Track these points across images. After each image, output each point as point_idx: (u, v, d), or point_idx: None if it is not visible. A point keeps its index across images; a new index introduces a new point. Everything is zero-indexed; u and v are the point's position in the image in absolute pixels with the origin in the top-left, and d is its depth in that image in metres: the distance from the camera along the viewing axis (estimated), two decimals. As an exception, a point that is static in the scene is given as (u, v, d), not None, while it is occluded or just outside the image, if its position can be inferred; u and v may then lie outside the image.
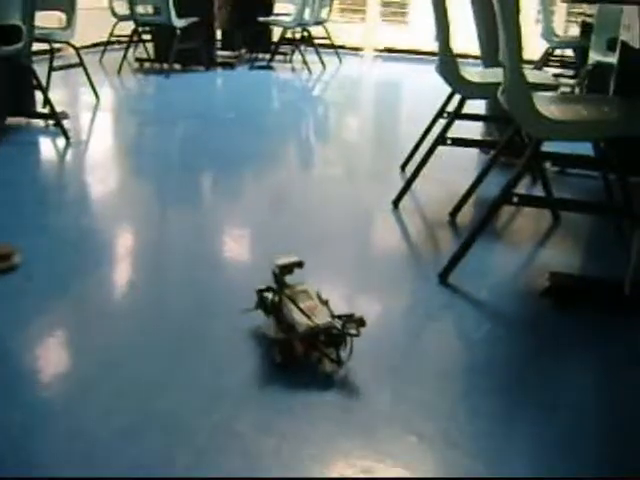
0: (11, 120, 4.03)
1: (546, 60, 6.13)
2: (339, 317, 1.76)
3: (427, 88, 5.21)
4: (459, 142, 2.88)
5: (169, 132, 4.28)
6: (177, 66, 6.71)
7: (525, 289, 2.24)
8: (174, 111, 4.86)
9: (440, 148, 2.89)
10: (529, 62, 5.46)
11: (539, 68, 5.80)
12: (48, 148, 3.82)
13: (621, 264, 2.21)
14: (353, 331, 1.73)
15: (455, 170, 3.45)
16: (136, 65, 7.03)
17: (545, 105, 2.23)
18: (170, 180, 3.25)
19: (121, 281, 2.21)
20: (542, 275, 2.24)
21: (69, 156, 3.64)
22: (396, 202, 2.93)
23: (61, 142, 3.80)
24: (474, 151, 3.78)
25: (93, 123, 4.49)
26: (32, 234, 2.49)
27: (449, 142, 2.81)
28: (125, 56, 6.56)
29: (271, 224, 2.73)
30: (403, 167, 3.45)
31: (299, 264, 1.87)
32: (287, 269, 1.85)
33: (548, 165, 3.63)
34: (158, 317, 1.96)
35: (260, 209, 2.91)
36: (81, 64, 4.69)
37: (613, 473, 1.42)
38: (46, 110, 3.93)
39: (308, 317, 1.72)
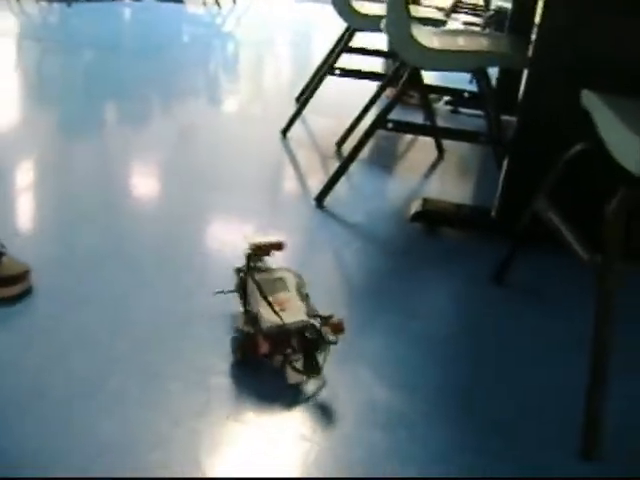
0: None
1: (455, 7, 6.20)
2: (319, 317, 1.47)
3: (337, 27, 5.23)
4: (347, 73, 2.91)
5: (73, 62, 4.15)
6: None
7: (399, 215, 2.32)
8: (79, 40, 4.71)
9: (338, 84, 2.92)
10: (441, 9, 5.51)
11: (447, 15, 5.86)
12: None
13: (494, 193, 2.31)
14: (331, 337, 1.44)
15: (349, 105, 3.50)
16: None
17: (427, 37, 2.29)
18: (74, 111, 3.16)
19: (21, 220, 2.15)
20: (417, 202, 2.33)
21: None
22: (284, 132, 2.95)
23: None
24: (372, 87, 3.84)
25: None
26: None
27: (337, 72, 2.84)
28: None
29: (168, 159, 2.71)
30: (298, 99, 3.46)
31: (278, 246, 1.59)
32: (262, 250, 1.57)
33: (442, 104, 3.74)
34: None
35: (156, 142, 2.89)
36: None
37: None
38: None
39: (275, 312, 1.43)
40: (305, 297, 1.51)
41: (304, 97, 2.97)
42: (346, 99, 3.49)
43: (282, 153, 2.83)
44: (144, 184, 2.45)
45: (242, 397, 1.35)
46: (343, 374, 1.45)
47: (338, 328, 1.44)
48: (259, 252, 1.57)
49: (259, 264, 1.58)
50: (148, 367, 1.40)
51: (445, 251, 2.12)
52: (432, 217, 2.22)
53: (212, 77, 4.19)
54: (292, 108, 3.41)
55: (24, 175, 2.41)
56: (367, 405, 1.37)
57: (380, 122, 2.19)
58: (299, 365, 1.40)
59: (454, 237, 2.22)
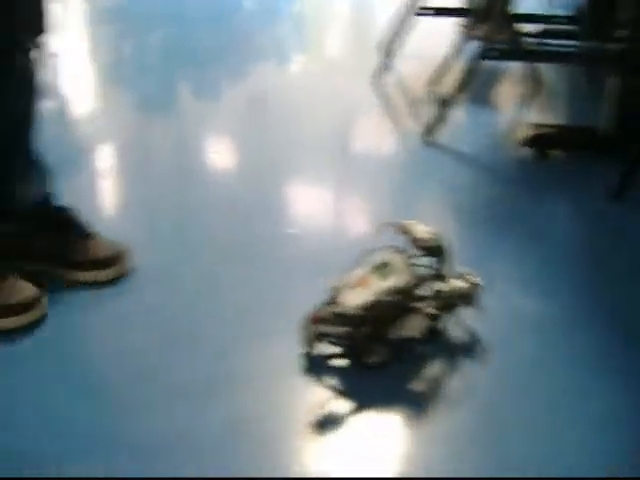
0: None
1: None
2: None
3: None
4: (436, 11, 2.89)
5: (143, 38, 4.24)
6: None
7: (506, 143, 2.34)
8: (157, 13, 4.77)
9: (422, 28, 2.91)
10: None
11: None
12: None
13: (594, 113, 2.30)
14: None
15: (434, 45, 3.49)
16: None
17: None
18: (148, 87, 3.20)
19: (103, 195, 2.19)
20: (525, 128, 2.33)
21: (54, 64, 3.63)
22: (374, 78, 3.00)
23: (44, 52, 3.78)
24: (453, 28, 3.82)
25: (67, 29, 4.43)
26: None
27: (424, 12, 2.83)
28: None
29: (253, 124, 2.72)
30: (380, 46, 3.46)
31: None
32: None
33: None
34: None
35: (239, 110, 2.95)
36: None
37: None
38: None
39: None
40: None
41: (389, 42, 2.98)
42: (427, 40, 3.48)
43: (376, 98, 2.88)
44: (232, 153, 2.52)
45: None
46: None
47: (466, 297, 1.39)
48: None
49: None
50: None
51: (559, 173, 2.13)
52: (543, 141, 2.23)
53: (286, 38, 4.23)
54: (375, 56, 3.43)
55: (104, 153, 2.46)
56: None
57: (485, 52, 2.20)
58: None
59: (565, 159, 2.22)
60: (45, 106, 2.99)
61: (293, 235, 1.81)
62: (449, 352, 1.35)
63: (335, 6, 5.29)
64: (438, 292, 1.35)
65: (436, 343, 1.36)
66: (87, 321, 1.47)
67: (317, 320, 1.30)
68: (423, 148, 2.29)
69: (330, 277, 1.34)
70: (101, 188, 2.19)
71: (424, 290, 1.35)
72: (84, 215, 1.61)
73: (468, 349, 1.35)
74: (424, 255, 1.37)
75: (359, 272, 1.34)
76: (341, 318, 1.29)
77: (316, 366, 1.31)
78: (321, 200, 2.05)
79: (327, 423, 1.19)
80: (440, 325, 1.37)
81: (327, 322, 1.29)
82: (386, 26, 3.45)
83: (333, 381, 1.28)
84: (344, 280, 1.34)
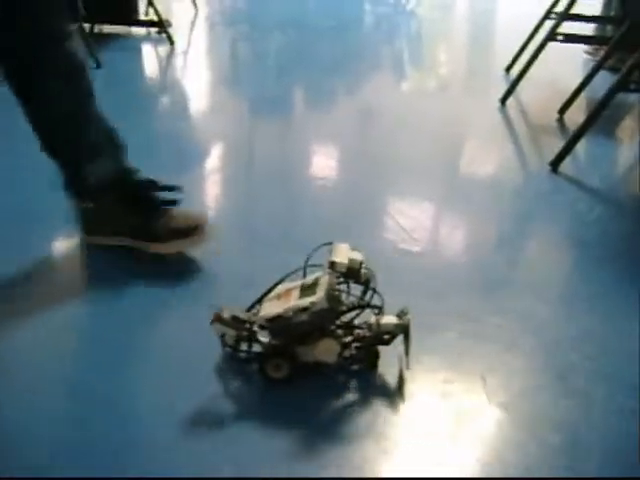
0: (112, 28, 4.13)
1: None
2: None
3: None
4: (572, 38, 2.81)
5: (267, 41, 4.31)
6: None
7: (635, 177, 2.23)
8: (272, 19, 4.86)
9: (544, 52, 2.84)
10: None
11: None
12: (153, 54, 3.93)
13: None
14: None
15: (561, 71, 3.40)
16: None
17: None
18: (263, 89, 3.26)
19: (210, 190, 2.22)
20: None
21: (174, 62, 3.74)
22: (503, 100, 2.91)
23: (164, 49, 3.89)
24: (579, 54, 3.72)
25: (193, 31, 4.56)
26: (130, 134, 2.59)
27: (560, 38, 2.75)
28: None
29: (362, 137, 2.72)
30: (508, 69, 3.41)
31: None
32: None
33: None
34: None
35: (349, 121, 2.93)
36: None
37: None
38: (147, 18, 4.02)
39: None
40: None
41: (523, 67, 2.91)
42: (553, 66, 3.39)
43: (503, 122, 2.78)
44: (345, 159, 2.47)
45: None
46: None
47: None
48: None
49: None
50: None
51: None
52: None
53: (403, 53, 4.21)
54: (500, 78, 3.37)
55: (213, 150, 2.49)
56: None
57: (623, 82, 2.11)
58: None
59: None
60: (167, 100, 3.12)
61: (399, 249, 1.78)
62: (363, 385, 1.26)
63: (456, 26, 5.25)
64: (368, 324, 1.28)
65: (354, 373, 1.28)
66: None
67: (217, 319, 1.27)
68: (546, 177, 2.20)
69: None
70: (205, 183, 2.22)
71: (351, 318, 1.29)
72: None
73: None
74: (341, 280, 1.31)
75: (289, 285, 1.32)
76: (236, 322, 1.28)
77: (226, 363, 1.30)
78: (421, 219, 1.97)
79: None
80: (365, 355, 1.28)
81: (225, 323, 1.27)
82: (512, 50, 3.39)
83: (232, 383, 1.25)
84: (276, 290, 1.33)
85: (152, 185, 1.63)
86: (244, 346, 1.30)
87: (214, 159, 2.41)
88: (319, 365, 1.25)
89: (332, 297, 1.24)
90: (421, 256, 1.72)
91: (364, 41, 4.38)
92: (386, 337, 1.27)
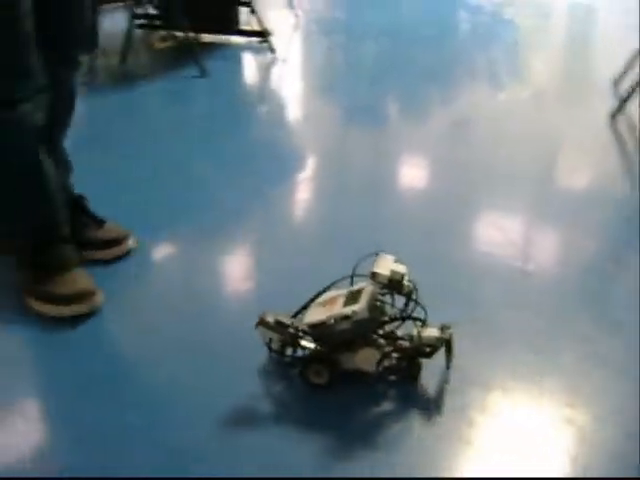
0: (212, 37, 4.30)
1: None
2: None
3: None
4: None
5: (362, 50, 4.36)
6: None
7: None
8: (368, 28, 4.86)
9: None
10: None
11: None
12: (254, 63, 4.06)
13: None
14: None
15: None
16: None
17: None
18: (358, 97, 3.31)
19: (301, 196, 2.32)
20: None
21: (274, 71, 3.86)
22: (613, 115, 2.82)
23: (265, 58, 4.04)
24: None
25: (291, 40, 4.69)
26: (233, 139, 2.71)
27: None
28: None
29: (454, 146, 2.73)
30: (616, 81, 3.28)
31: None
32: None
33: None
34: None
35: (442, 131, 2.95)
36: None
37: None
38: (249, 27, 4.19)
39: None
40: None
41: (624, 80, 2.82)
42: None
43: (611, 138, 2.71)
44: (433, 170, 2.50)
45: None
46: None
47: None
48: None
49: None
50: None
51: None
52: None
53: (499, 63, 4.18)
54: (606, 90, 3.25)
55: (307, 161, 2.58)
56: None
57: None
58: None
59: None
60: (267, 109, 3.27)
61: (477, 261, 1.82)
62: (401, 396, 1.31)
63: (556, 34, 5.15)
64: (410, 335, 1.31)
65: (394, 383, 1.32)
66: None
67: (261, 322, 1.33)
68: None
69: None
70: (297, 191, 2.32)
71: (393, 329, 1.33)
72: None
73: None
74: (386, 291, 1.33)
75: (336, 293, 1.36)
76: (280, 327, 1.32)
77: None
78: (510, 231, 1.99)
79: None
80: (408, 367, 1.33)
81: (269, 327, 1.32)
82: (617, 61, 3.26)
83: (275, 387, 1.32)
84: (322, 297, 1.37)
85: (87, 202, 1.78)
86: (290, 351, 1.36)
87: (307, 167, 2.51)
88: (359, 373, 1.30)
89: (373, 307, 1.28)
90: (522, 270, 1.75)
91: (460, 50, 4.38)
92: (427, 350, 1.30)
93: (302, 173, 2.44)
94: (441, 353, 1.33)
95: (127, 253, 1.79)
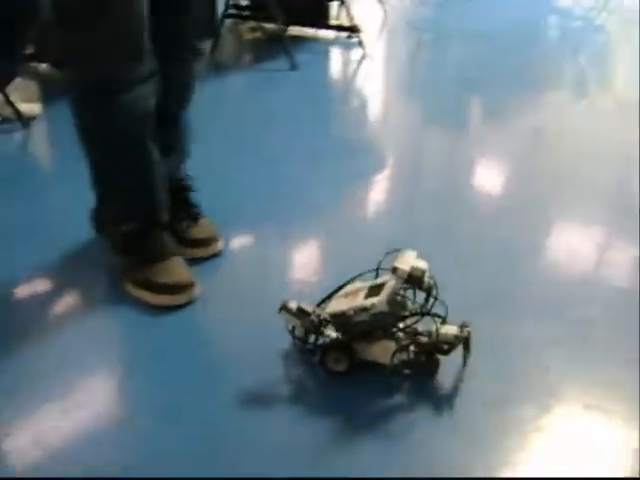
0: (299, 31, 4.33)
1: None
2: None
3: None
4: None
5: (449, 51, 4.35)
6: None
7: None
8: (457, 28, 4.82)
9: None
10: None
11: None
12: (342, 58, 4.13)
13: None
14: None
15: None
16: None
17: None
18: (441, 99, 3.32)
19: (377, 197, 2.37)
20: None
21: (362, 67, 3.90)
22: None
23: (354, 53, 4.07)
24: None
25: (380, 37, 4.73)
26: (317, 134, 2.79)
27: None
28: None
29: (533, 155, 2.71)
30: None
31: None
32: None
33: None
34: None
35: (523, 138, 2.93)
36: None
37: None
38: (337, 22, 4.25)
39: None
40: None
41: None
42: None
43: None
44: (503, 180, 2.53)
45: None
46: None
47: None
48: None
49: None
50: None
51: None
52: None
53: (586, 70, 4.12)
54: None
55: (386, 161, 2.61)
56: None
57: None
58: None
59: None
60: (352, 106, 3.34)
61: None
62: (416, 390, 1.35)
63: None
64: (428, 331, 1.34)
65: (411, 377, 1.36)
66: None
67: (283, 308, 1.38)
68: None
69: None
70: (372, 190, 2.38)
71: (412, 323, 1.36)
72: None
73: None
74: (408, 286, 1.36)
75: (359, 285, 1.41)
76: (301, 313, 1.37)
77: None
78: (585, 243, 1.98)
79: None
80: (426, 363, 1.36)
81: (291, 313, 1.37)
82: None
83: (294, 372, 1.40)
84: (345, 289, 1.43)
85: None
86: (312, 339, 1.42)
87: (384, 165, 2.56)
88: (376, 364, 1.35)
89: (393, 301, 1.32)
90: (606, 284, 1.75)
91: (547, 55, 4.32)
92: (445, 347, 1.33)
93: (379, 172, 2.49)
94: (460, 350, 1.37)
95: (212, 256, 1.81)
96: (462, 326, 1.35)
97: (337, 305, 1.39)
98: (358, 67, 3.92)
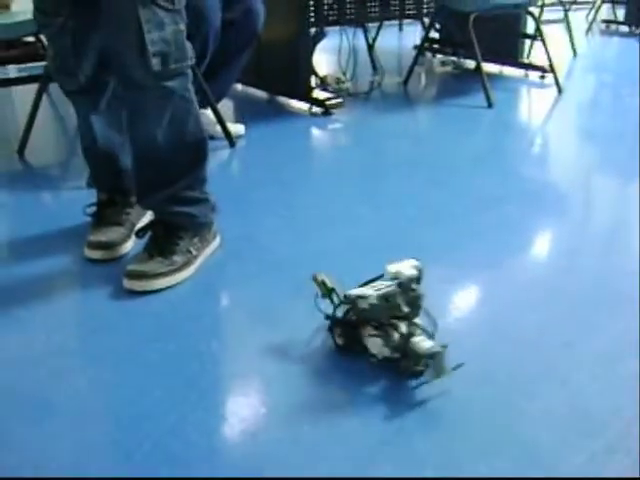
0: (492, 67, 4.25)
1: None
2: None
3: None
4: None
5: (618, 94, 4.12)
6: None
7: None
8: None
9: None
10: None
11: None
12: (536, 97, 4.05)
13: None
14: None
15: None
16: (602, 26, 6.79)
17: None
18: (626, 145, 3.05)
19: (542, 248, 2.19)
20: None
21: (558, 107, 3.76)
22: None
23: (547, 92, 3.93)
24: None
25: (573, 77, 4.53)
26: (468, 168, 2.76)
27: None
28: (595, 17, 6.43)
29: None
30: None
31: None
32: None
33: None
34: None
35: None
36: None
37: None
38: (528, 61, 4.12)
39: None
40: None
41: None
42: None
43: None
44: None
45: None
46: None
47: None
48: None
49: None
50: None
51: None
52: None
53: None
54: None
55: (554, 203, 2.47)
56: None
57: None
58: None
59: None
60: (534, 147, 3.14)
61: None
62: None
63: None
64: (408, 332, 1.46)
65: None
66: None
67: (313, 278, 1.58)
68: None
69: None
70: (537, 235, 2.22)
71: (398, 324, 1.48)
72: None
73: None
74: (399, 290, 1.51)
75: (388, 283, 1.54)
76: (323, 286, 1.56)
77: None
78: None
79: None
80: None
81: (317, 283, 1.57)
82: None
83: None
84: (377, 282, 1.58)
85: None
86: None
87: (551, 212, 2.36)
88: (366, 350, 1.47)
89: (384, 297, 1.49)
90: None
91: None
92: (414, 356, 1.41)
93: (542, 218, 2.31)
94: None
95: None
96: (442, 346, 1.40)
97: (357, 290, 1.53)
98: (554, 108, 3.74)
